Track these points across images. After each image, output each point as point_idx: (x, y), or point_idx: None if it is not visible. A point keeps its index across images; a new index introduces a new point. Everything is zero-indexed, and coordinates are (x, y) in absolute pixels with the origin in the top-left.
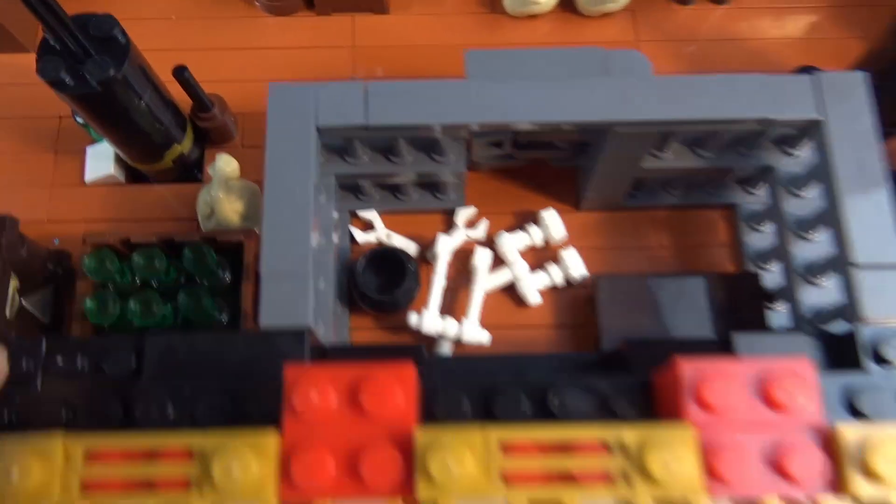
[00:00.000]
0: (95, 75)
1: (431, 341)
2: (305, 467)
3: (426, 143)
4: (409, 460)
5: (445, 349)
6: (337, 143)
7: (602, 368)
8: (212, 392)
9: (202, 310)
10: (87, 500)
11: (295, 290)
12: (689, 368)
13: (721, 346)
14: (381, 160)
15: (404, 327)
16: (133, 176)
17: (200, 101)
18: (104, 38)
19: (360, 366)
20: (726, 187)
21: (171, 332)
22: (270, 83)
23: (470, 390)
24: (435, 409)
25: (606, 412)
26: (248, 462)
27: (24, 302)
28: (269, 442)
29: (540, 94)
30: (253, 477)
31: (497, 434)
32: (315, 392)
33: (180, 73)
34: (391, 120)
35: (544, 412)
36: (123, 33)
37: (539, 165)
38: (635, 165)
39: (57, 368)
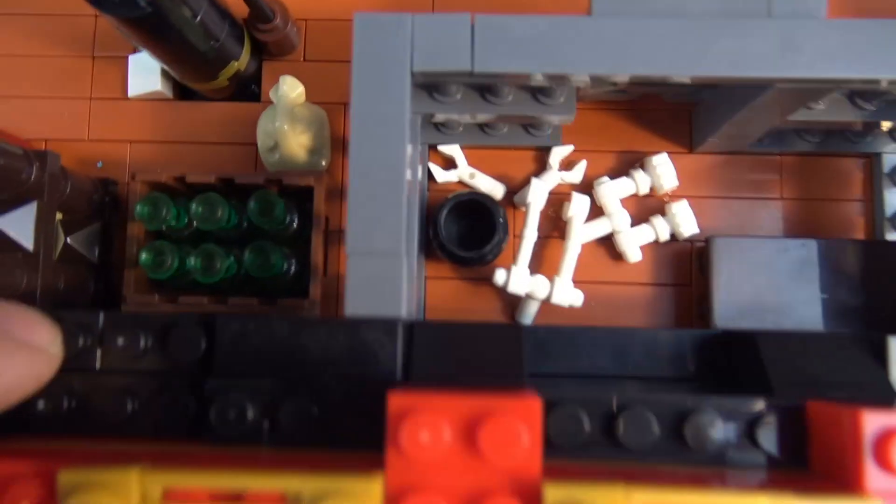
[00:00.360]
0: None
1: (516, 300)
2: None
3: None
4: None
5: (532, 309)
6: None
7: (724, 356)
8: (295, 395)
9: (269, 267)
10: None
11: (387, 275)
12: (872, 422)
13: (871, 345)
14: (477, 99)
15: (485, 279)
16: (182, 90)
17: (261, 12)
18: None
19: (477, 398)
20: (871, 134)
21: (245, 317)
22: (356, 13)
23: (591, 408)
24: (553, 431)
25: (750, 444)
26: None
27: (69, 240)
28: (375, 489)
29: (686, 41)
30: None
31: (642, 497)
32: (426, 430)
33: None
34: (503, 67)
35: (678, 439)
36: None
37: (651, 99)
38: (782, 117)
39: (117, 347)
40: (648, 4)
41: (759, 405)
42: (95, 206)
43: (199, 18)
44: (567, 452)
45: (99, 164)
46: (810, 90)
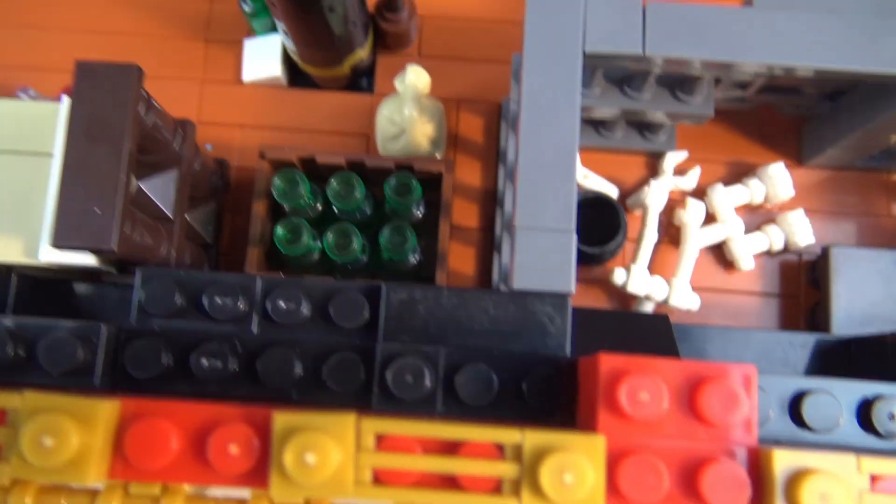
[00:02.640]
0: None
1: (626, 300)
2: (637, 478)
3: (673, 79)
4: (760, 485)
5: (645, 311)
6: None
7: (857, 359)
8: (474, 362)
9: (404, 250)
10: (382, 489)
11: (557, 251)
12: None
13: None
14: (616, 93)
15: (592, 279)
16: (293, 77)
17: (394, 1)
18: None
19: (691, 363)
20: None
21: (411, 286)
22: None
23: (779, 390)
24: None
25: None
26: (582, 468)
27: (187, 216)
28: (598, 445)
29: (854, 36)
30: (586, 485)
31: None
32: (646, 391)
33: None
34: (672, 51)
35: (866, 426)
36: None
37: (760, 111)
38: None
39: (277, 310)
40: (808, 0)
41: None
42: (212, 186)
43: None
44: None
45: (209, 147)
46: None
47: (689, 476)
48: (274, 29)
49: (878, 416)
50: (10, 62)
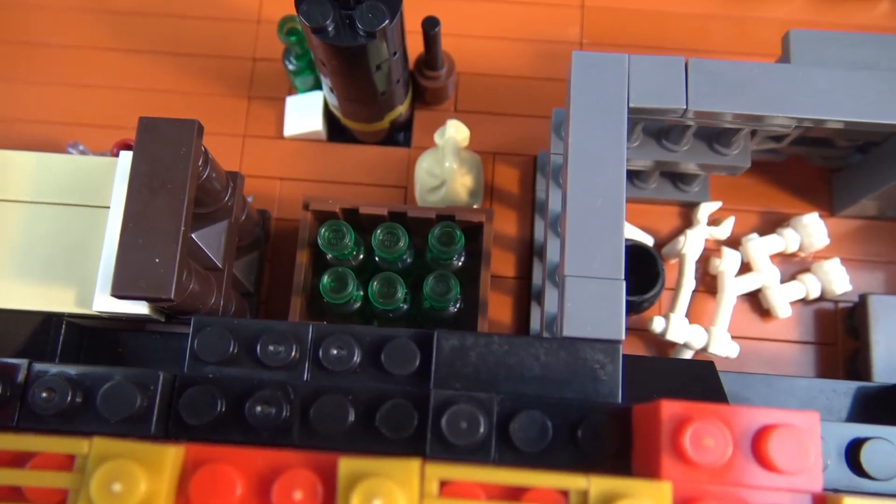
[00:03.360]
0: (367, 24)
1: (661, 348)
2: None
3: (710, 132)
4: None
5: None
6: None
7: (885, 411)
8: (526, 407)
9: (447, 299)
10: None
11: (607, 299)
12: None
13: None
14: (654, 146)
15: (636, 328)
16: (332, 132)
17: (435, 59)
18: None
19: (754, 409)
20: None
21: (463, 332)
22: (575, 52)
23: (834, 441)
24: None
25: None
26: None
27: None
28: (665, 491)
29: (887, 90)
30: None
31: None
32: (710, 437)
33: (431, 26)
34: (715, 106)
35: None
36: None
37: (792, 162)
38: None
39: (329, 358)
40: (842, 58)
41: None
42: (256, 236)
43: (395, 57)
44: None
45: (250, 199)
46: None
47: None
48: (315, 87)
49: None
50: (61, 119)
